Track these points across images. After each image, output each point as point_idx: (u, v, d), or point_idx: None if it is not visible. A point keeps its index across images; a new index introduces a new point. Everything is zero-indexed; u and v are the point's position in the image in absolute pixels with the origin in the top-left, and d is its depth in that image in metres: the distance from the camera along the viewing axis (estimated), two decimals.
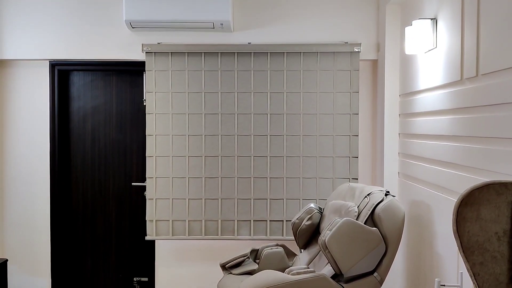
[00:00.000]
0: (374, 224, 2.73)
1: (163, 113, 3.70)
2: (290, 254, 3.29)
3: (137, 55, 3.76)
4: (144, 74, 3.81)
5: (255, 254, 3.21)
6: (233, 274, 3.06)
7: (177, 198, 3.71)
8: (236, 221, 3.71)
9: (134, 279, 3.97)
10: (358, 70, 3.64)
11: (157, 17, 3.49)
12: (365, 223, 2.72)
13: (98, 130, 3.95)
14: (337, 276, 2.67)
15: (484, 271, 1.44)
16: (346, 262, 2.57)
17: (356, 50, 3.63)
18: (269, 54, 3.67)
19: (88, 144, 3.95)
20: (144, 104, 3.75)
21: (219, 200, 3.72)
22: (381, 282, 2.68)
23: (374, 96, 3.79)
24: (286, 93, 3.68)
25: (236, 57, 3.67)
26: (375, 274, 2.67)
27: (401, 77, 3.38)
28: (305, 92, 3.67)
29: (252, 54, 3.67)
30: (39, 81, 3.87)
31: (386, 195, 2.83)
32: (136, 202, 3.95)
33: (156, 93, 3.70)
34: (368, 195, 2.87)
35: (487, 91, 2.06)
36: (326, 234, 2.59)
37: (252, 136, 3.69)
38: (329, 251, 2.56)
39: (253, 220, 3.70)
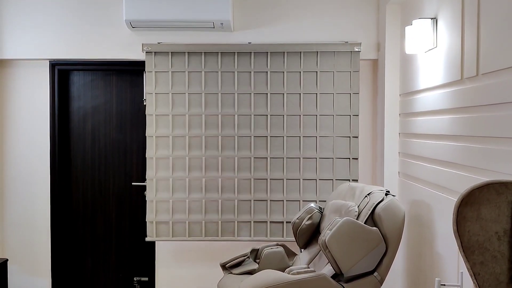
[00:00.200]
0: (374, 224, 2.73)
1: (163, 113, 3.70)
2: (290, 254, 3.29)
3: (137, 55, 3.76)
4: (144, 74, 3.81)
5: (255, 254, 3.21)
6: (233, 274, 3.06)
7: (177, 199, 3.71)
8: (236, 222, 3.71)
9: (134, 278, 3.97)
10: (358, 71, 3.64)
11: (157, 16, 3.49)
12: (365, 223, 2.72)
13: (98, 130, 3.95)
14: (337, 275, 2.67)
15: (484, 270, 1.44)
16: (346, 262, 2.57)
17: (356, 49, 3.63)
18: (269, 53, 3.66)
19: (88, 144, 3.95)
20: (144, 104, 3.75)
21: (219, 201, 3.71)
22: (381, 281, 2.68)
23: (374, 96, 3.78)
24: (286, 94, 3.67)
25: (236, 56, 3.67)
26: (375, 273, 2.67)
27: (401, 77, 3.38)
28: (305, 93, 3.66)
29: (252, 53, 3.67)
30: (39, 81, 3.87)
31: (386, 194, 2.83)
32: (136, 201, 3.95)
33: (156, 93, 3.70)
34: (368, 194, 2.87)
35: (487, 90, 2.06)
36: (326, 234, 2.58)
37: (252, 137, 3.69)
38: (329, 251, 2.56)
39: (253, 221, 3.70)
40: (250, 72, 3.68)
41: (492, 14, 2.02)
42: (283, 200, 3.70)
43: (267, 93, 3.68)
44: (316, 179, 3.68)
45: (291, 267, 2.79)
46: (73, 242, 3.98)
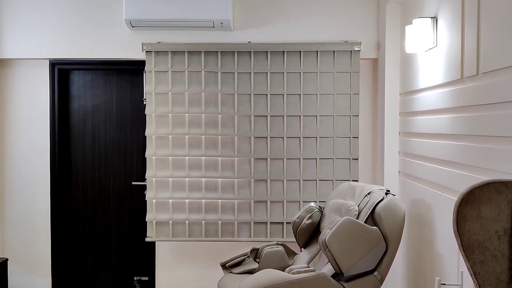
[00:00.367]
0: (375, 223, 2.73)
1: (162, 113, 3.70)
2: (290, 253, 3.29)
3: (137, 54, 3.76)
4: (144, 73, 3.81)
5: (255, 253, 3.21)
6: (234, 273, 3.06)
7: (177, 199, 3.70)
8: (236, 222, 3.70)
9: (135, 278, 3.97)
10: (358, 71, 3.63)
11: (157, 16, 3.49)
12: (365, 222, 2.72)
13: (98, 129, 3.95)
14: (338, 275, 2.67)
15: (484, 270, 1.44)
16: (347, 261, 2.57)
17: (356, 49, 3.63)
18: (269, 53, 3.66)
19: (88, 143, 3.95)
20: (144, 103, 3.75)
21: (219, 201, 3.71)
22: (381, 281, 2.68)
23: (374, 95, 3.78)
24: (286, 95, 3.67)
25: (236, 56, 3.66)
26: (376, 273, 2.67)
27: (402, 76, 3.38)
28: (305, 93, 3.66)
29: (252, 53, 3.66)
30: (39, 80, 3.87)
31: (386, 194, 2.83)
32: (137, 201, 3.95)
33: (155, 93, 3.70)
34: (368, 194, 2.87)
35: (488, 89, 2.06)
36: (326, 233, 2.58)
37: (252, 137, 3.69)
38: (329, 250, 2.56)
39: (253, 222, 3.70)
40: (250, 71, 3.67)
41: (492, 13, 2.02)
42: (283, 201, 3.70)
43: (267, 94, 3.67)
44: (316, 180, 3.68)
45: (291, 267, 2.79)
46: (73, 241, 3.98)
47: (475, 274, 1.44)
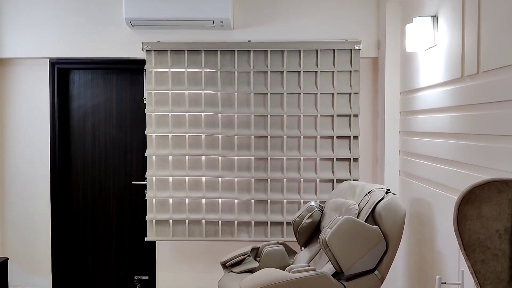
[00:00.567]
0: (375, 222, 2.73)
1: (162, 112, 3.70)
2: (291, 252, 3.29)
3: (137, 54, 3.75)
4: (144, 72, 3.80)
5: (255, 252, 3.21)
6: (234, 272, 3.06)
7: (177, 199, 3.70)
8: (236, 222, 3.70)
9: (135, 277, 3.97)
10: (358, 70, 3.63)
11: (157, 15, 3.49)
12: (365, 221, 2.72)
13: (98, 129, 3.94)
14: (338, 274, 2.67)
15: (485, 269, 1.44)
16: (347, 260, 2.57)
17: (357, 47, 3.62)
18: (269, 52, 3.65)
19: (88, 142, 3.95)
20: (144, 102, 3.75)
21: (219, 201, 3.71)
22: (382, 280, 2.68)
23: (375, 94, 3.78)
24: (287, 94, 3.67)
25: (236, 55, 3.66)
26: (376, 272, 2.66)
27: (402, 75, 3.38)
28: (305, 92, 3.65)
29: (252, 52, 3.66)
30: (39, 79, 3.87)
31: (386, 193, 2.82)
32: (137, 200, 3.95)
33: (155, 92, 3.70)
34: (368, 193, 2.86)
35: (488, 88, 2.06)
36: (326, 232, 2.58)
37: (253, 137, 3.68)
38: (329, 249, 2.55)
39: (253, 222, 3.69)
40: (250, 70, 3.67)
41: (493, 11, 2.02)
42: (283, 201, 3.69)
43: (267, 93, 3.67)
44: (316, 179, 3.67)
45: (291, 266, 2.79)
46: (73, 241, 3.98)
47: (475, 273, 1.44)
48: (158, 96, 3.70)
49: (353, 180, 3.64)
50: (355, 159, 3.65)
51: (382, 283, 2.69)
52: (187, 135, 3.70)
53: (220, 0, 3.46)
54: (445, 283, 1.90)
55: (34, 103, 3.87)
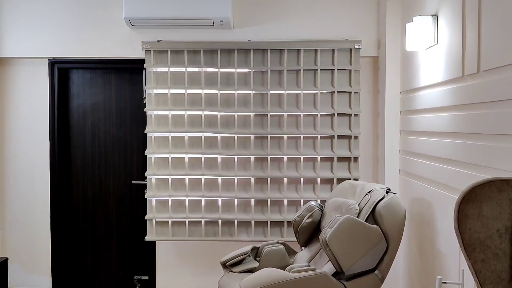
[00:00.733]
0: (375, 222, 2.72)
1: (162, 111, 3.69)
2: (291, 252, 3.28)
3: (136, 53, 3.75)
4: (143, 71, 3.80)
5: (255, 252, 3.21)
6: (234, 272, 3.06)
7: (177, 198, 3.70)
8: (236, 221, 3.69)
9: (135, 277, 3.97)
10: (358, 70, 3.62)
11: (157, 14, 3.48)
12: (366, 221, 2.71)
13: (98, 128, 3.94)
14: (338, 273, 2.66)
15: (485, 268, 1.43)
16: (347, 260, 2.56)
17: (357, 47, 3.61)
18: (269, 51, 3.65)
19: (88, 142, 3.95)
20: (144, 102, 3.74)
21: (219, 200, 3.70)
22: (382, 279, 2.67)
23: (375, 93, 3.77)
24: (287, 93, 3.66)
25: (235, 54, 3.65)
26: (376, 271, 2.66)
27: (402, 74, 3.37)
28: (306, 92, 3.65)
29: (252, 51, 3.65)
30: (39, 79, 3.86)
31: (387, 192, 2.82)
32: (137, 200, 3.95)
33: (155, 91, 3.69)
34: (369, 192, 2.86)
35: (489, 87, 2.05)
36: (327, 232, 2.58)
37: (252, 136, 3.68)
38: (330, 249, 2.55)
39: (253, 221, 3.69)
40: (250, 70, 3.66)
41: (493, 10, 2.01)
42: (283, 200, 3.69)
43: (266, 92, 3.67)
44: (316, 179, 3.67)
45: (291, 265, 2.79)
46: (73, 240, 3.98)
47: (476, 273, 1.43)
48: (158, 95, 3.69)
49: (354, 179, 3.64)
50: (355, 159, 3.65)
51: (382, 283, 2.68)
52: (186, 135, 3.69)
53: None
54: (445, 282, 1.90)
55: (33, 102, 3.87)
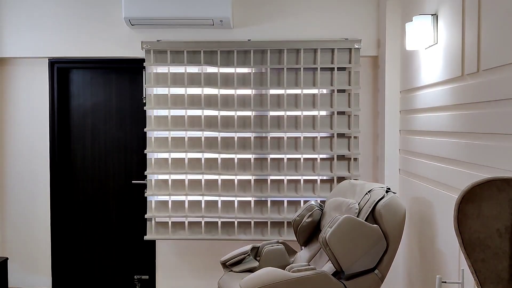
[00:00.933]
0: (375, 221, 2.73)
1: (162, 111, 3.69)
2: (291, 252, 3.28)
3: (136, 53, 3.75)
4: (143, 71, 3.80)
5: (255, 252, 3.21)
6: (234, 271, 3.06)
7: (176, 198, 3.70)
8: (236, 221, 3.69)
9: (135, 277, 3.97)
10: (358, 69, 3.62)
11: (157, 14, 3.48)
12: (366, 220, 2.71)
13: (98, 128, 3.94)
14: (338, 273, 2.66)
15: (485, 268, 1.43)
16: (347, 259, 2.56)
17: (357, 46, 3.61)
18: (268, 50, 3.65)
19: (88, 142, 3.95)
20: (144, 101, 3.74)
21: (219, 200, 3.70)
22: (382, 279, 2.67)
23: (375, 93, 3.77)
24: (286, 93, 3.66)
25: (235, 54, 3.65)
26: (376, 271, 2.66)
27: (402, 74, 3.37)
28: (306, 91, 3.65)
29: (252, 51, 3.65)
30: (39, 79, 3.86)
31: (387, 192, 2.82)
32: (137, 200, 3.95)
33: (155, 91, 3.69)
34: (369, 192, 2.86)
35: (488, 87, 2.05)
36: (326, 231, 2.58)
37: (252, 136, 3.68)
38: (329, 248, 2.55)
39: (253, 221, 3.69)
40: (250, 69, 3.66)
41: (493, 10, 2.01)
42: (283, 200, 3.69)
43: (266, 92, 3.67)
44: (317, 178, 3.67)
45: (291, 265, 2.79)
46: (73, 240, 3.98)
47: (476, 272, 1.43)
48: (158, 95, 3.69)
49: (353, 179, 3.64)
50: (355, 158, 3.65)
51: (382, 282, 2.69)
52: (186, 134, 3.69)
53: None
54: (445, 282, 1.90)
55: (33, 102, 3.87)
